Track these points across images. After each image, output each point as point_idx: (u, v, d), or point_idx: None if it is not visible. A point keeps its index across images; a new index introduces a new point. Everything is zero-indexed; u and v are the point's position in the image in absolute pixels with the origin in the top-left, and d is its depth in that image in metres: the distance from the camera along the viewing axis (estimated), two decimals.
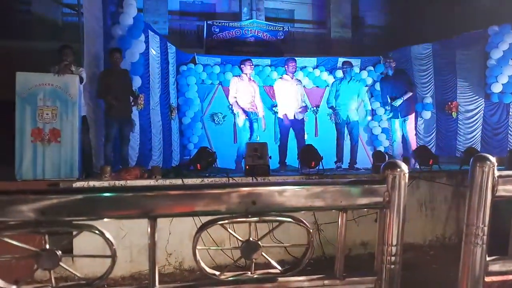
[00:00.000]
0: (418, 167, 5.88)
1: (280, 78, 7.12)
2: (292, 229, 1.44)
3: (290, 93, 6.73)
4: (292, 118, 6.72)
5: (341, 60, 9.53)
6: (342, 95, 6.72)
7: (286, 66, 6.92)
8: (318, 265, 4.26)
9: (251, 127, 6.78)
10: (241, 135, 6.83)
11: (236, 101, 6.70)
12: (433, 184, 5.39)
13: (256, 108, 6.82)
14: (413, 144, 6.97)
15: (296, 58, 7.55)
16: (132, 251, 4.31)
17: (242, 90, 6.71)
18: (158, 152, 7.38)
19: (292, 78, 6.86)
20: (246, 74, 6.79)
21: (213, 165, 5.64)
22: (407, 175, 1.48)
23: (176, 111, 8.63)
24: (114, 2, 6.34)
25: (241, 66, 6.97)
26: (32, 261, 1.26)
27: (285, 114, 6.68)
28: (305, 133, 7.24)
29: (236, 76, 7.15)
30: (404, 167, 1.48)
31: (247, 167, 5.25)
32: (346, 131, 6.88)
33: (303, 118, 6.95)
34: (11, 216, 1.22)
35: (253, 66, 7.03)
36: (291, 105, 6.72)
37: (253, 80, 7.06)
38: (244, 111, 6.70)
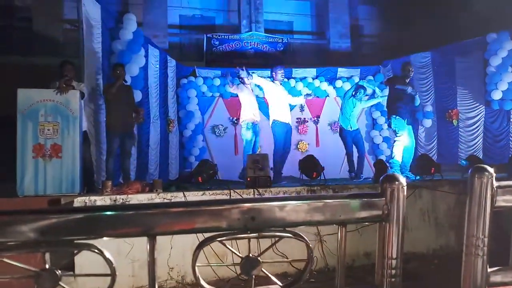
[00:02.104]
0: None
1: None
2: (294, 242, 1.44)
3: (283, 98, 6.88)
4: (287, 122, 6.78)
5: (340, 70, 9.61)
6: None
7: (274, 74, 6.98)
8: (321, 277, 4.25)
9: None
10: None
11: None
12: (435, 192, 5.37)
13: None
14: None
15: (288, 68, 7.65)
16: (134, 265, 4.30)
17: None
18: (154, 165, 7.40)
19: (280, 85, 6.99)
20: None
21: (215, 178, 5.64)
22: (405, 187, 1.49)
23: (174, 124, 8.65)
24: (114, 17, 6.41)
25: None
26: (32, 281, 1.26)
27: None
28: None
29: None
30: (403, 179, 1.48)
31: (248, 179, 5.24)
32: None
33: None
34: (10, 237, 1.23)
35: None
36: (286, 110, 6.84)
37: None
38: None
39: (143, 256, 4.19)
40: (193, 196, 4.68)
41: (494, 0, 8.20)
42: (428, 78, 8.80)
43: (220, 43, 11.20)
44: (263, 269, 1.38)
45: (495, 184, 1.61)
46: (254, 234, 1.37)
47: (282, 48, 11.52)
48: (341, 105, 7.42)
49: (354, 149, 7.15)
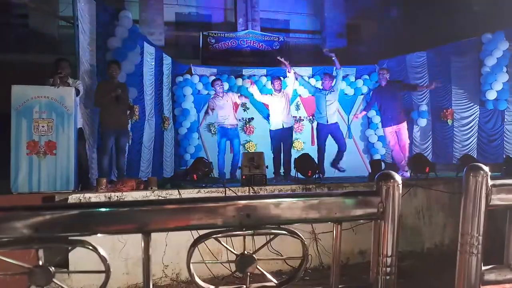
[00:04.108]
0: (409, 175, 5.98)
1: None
2: (289, 239, 1.44)
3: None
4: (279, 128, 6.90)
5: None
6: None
7: (272, 85, 7.10)
8: (316, 275, 4.26)
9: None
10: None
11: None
12: (430, 191, 5.39)
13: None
14: (405, 152, 6.93)
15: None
16: (128, 263, 4.29)
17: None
18: (147, 163, 7.37)
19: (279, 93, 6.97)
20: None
21: (210, 175, 5.63)
22: (401, 185, 1.49)
23: (169, 122, 8.63)
24: (110, 14, 6.37)
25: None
26: (25, 278, 1.25)
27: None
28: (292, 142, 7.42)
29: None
30: (398, 178, 1.48)
31: (243, 177, 5.23)
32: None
33: (292, 127, 7.16)
34: (4, 233, 1.22)
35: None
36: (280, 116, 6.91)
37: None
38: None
39: (137, 254, 4.18)
40: (188, 193, 4.68)
41: (489, 1, 8.23)
42: (424, 78, 8.83)
43: (216, 41, 11.17)
44: (258, 266, 1.37)
45: (490, 182, 1.61)
46: (249, 232, 1.37)
47: (278, 47, 11.51)
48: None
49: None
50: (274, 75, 8.16)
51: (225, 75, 9.28)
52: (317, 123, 7.24)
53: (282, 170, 6.75)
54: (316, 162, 6.44)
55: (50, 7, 10.25)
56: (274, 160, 6.79)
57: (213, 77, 9.18)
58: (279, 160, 6.78)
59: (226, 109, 7.06)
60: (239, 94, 7.70)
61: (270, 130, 7.03)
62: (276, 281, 1.41)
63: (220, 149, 7.24)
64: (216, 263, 4.04)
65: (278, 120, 6.85)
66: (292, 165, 6.24)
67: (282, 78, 7.22)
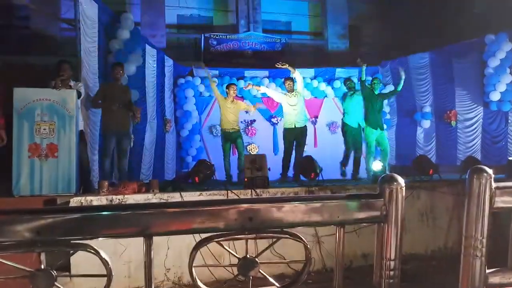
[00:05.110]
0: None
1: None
2: (292, 243, 1.43)
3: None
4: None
5: (338, 70, 9.63)
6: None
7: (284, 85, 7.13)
8: (319, 278, 4.24)
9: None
10: None
11: None
12: (434, 193, 5.36)
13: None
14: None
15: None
16: (130, 266, 4.28)
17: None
18: (147, 165, 7.36)
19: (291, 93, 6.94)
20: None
21: (212, 178, 5.62)
22: (404, 188, 1.48)
23: (171, 124, 8.63)
24: (111, 16, 6.38)
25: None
26: (27, 282, 1.25)
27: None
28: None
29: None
30: (401, 180, 1.47)
31: (245, 179, 5.22)
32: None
33: (305, 127, 7.06)
34: (6, 236, 1.22)
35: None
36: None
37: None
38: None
39: (139, 257, 4.16)
40: (190, 196, 4.66)
41: (492, 2, 8.21)
42: (427, 79, 8.81)
43: (218, 43, 11.18)
44: (260, 270, 1.37)
45: (494, 185, 1.60)
46: (252, 235, 1.36)
47: (280, 48, 11.51)
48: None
49: None
50: (280, 77, 8.15)
51: (227, 76, 9.28)
52: (345, 123, 7.17)
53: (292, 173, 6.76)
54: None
55: (51, 9, 10.27)
56: (283, 160, 6.79)
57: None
58: (288, 161, 6.77)
59: (234, 115, 6.99)
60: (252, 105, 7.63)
61: (284, 128, 6.97)
62: (278, 285, 1.40)
63: (225, 153, 7.06)
64: (218, 267, 4.02)
65: (291, 119, 6.83)
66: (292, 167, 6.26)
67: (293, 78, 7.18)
